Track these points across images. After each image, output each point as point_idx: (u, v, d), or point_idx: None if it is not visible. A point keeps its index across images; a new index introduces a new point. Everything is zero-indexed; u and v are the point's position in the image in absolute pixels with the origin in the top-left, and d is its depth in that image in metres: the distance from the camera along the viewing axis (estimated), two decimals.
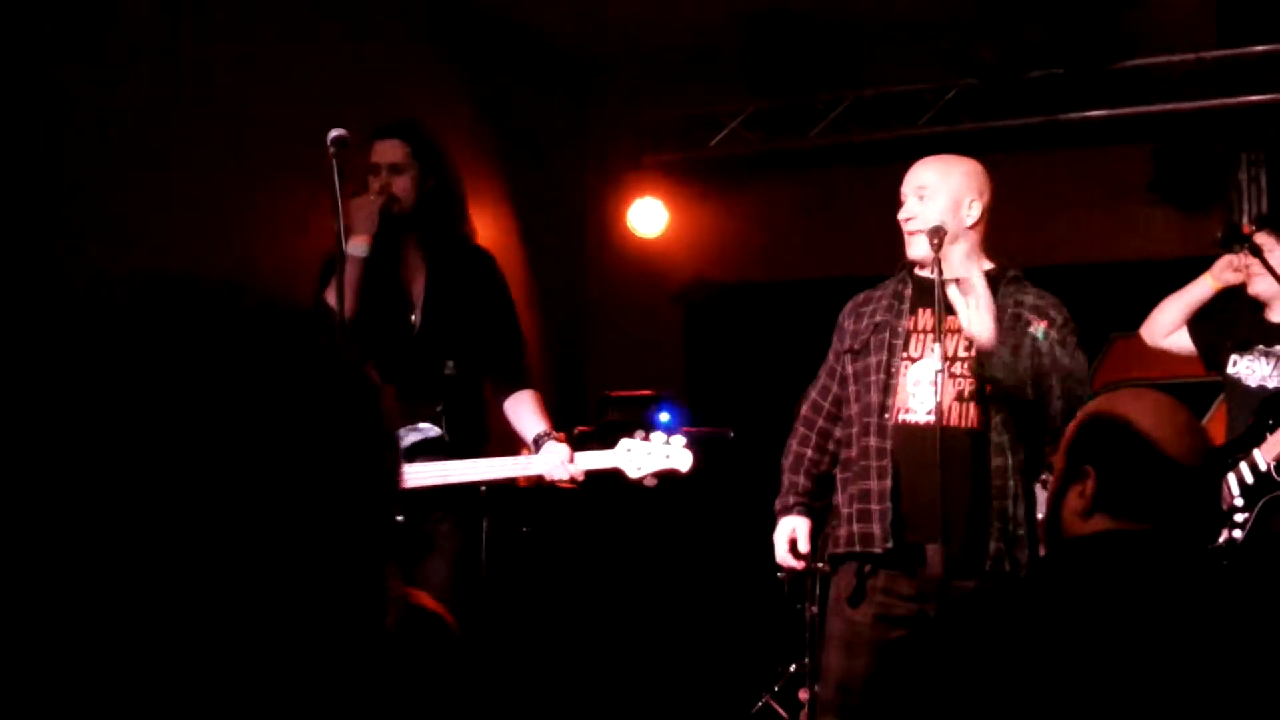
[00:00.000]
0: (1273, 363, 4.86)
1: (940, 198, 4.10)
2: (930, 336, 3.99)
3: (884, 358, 4.07)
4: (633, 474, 4.34)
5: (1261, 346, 4.91)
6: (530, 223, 7.69)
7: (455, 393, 4.44)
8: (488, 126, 7.41)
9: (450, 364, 4.42)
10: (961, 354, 4.00)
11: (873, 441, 4.04)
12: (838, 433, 4.25)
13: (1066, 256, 7.31)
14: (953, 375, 3.98)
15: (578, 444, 6.05)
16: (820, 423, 4.30)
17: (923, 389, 3.98)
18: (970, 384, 3.98)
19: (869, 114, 7.76)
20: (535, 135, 7.92)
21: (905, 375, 4.03)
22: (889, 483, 3.98)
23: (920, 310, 4.08)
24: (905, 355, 4.05)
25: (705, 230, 8.16)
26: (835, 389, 4.28)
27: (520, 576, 6.00)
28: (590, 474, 4.41)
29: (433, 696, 1.95)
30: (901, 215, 4.15)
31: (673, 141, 8.10)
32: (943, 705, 2.18)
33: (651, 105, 8.06)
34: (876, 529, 3.98)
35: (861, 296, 4.32)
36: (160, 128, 5.35)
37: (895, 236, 4.20)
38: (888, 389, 4.04)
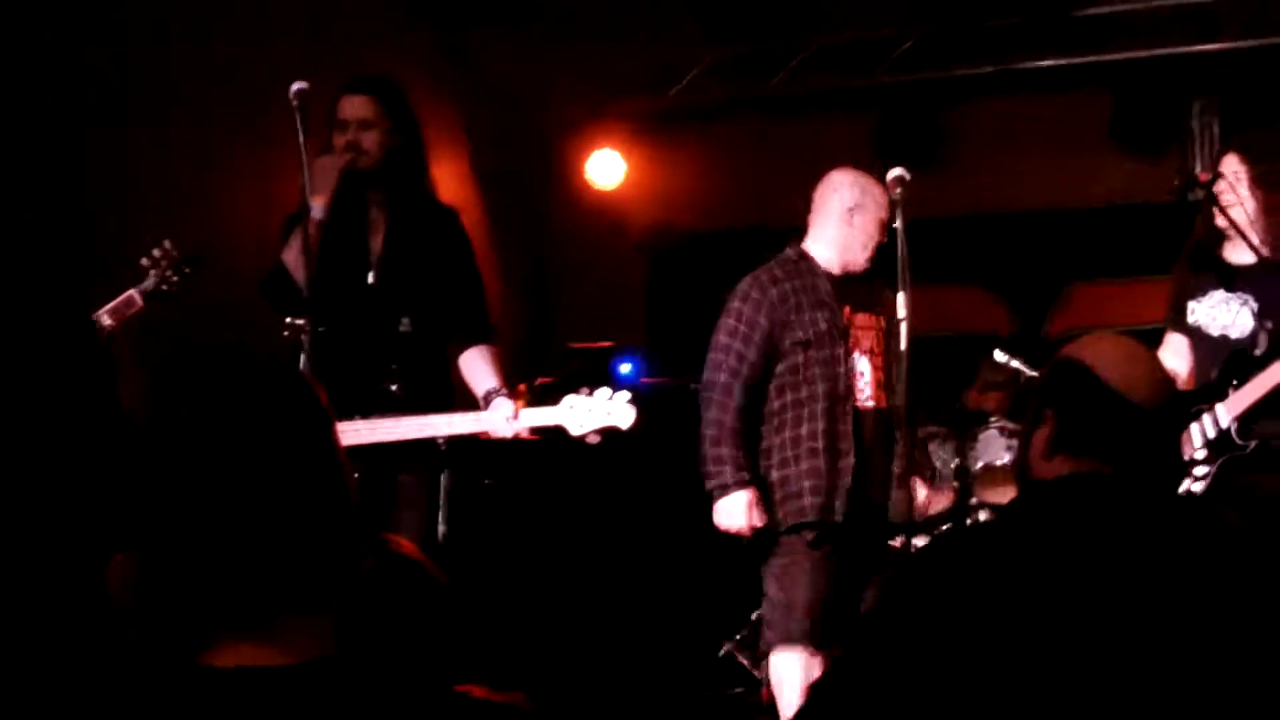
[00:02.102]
0: (1233, 308, 4.59)
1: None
2: (864, 333, 4.87)
3: (841, 351, 4.80)
4: (575, 430, 4.39)
5: (1221, 291, 4.61)
6: (490, 174, 7.65)
7: (412, 350, 4.46)
8: (446, 77, 7.36)
9: (406, 321, 4.43)
10: (877, 347, 4.90)
11: (838, 425, 4.76)
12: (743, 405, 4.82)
13: (1026, 203, 7.34)
14: (876, 366, 4.87)
15: (540, 395, 6.08)
16: (741, 398, 4.81)
17: (863, 379, 4.84)
18: (881, 372, 4.89)
19: (829, 61, 7.73)
20: (494, 86, 7.87)
21: (854, 366, 4.82)
22: (853, 459, 4.75)
23: (843, 306, 4.85)
24: (856, 348, 4.84)
25: (666, 180, 8.14)
26: (760, 367, 4.82)
27: (483, 530, 6.01)
28: (536, 430, 4.46)
29: (416, 638, 1.98)
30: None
31: (632, 91, 8.06)
32: (937, 632, 2.22)
33: (610, 55, 8.01)
34: (838, 501, 4.73)
35: (767, 278, 4.90)
36: (120, 85, 5.29)
37: None
38: (849, 379, 4.79)
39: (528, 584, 6.39)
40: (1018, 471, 2.55)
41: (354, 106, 4.47)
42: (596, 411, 4.38)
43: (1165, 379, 2.46)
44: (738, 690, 6.42)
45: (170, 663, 1.64)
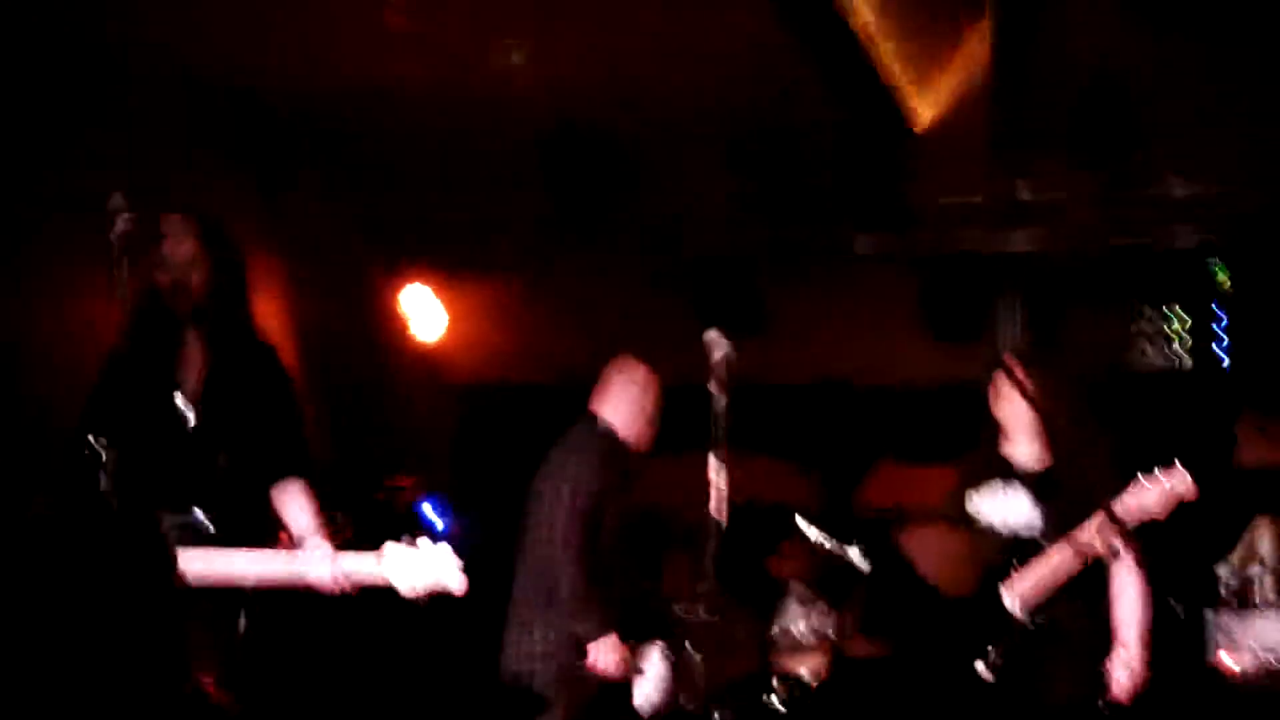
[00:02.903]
0: (1010, 499, 4.67)
1: None
2: None
3: None
4: (403, 589, 4.24)
5: (998, 480, 4.72)
6: (310, 319, 7.59)
7: (228, 487, 4.35)
8: (266, 223, 7.32)
9: (224, 457, 4.35)
10: None
11: None
12: None
13: (844, 375, 7.50)
14: None
15: (340, 541, 5.95)
16: None
17: None
18: None
19: (650, 230, 7.86)
20: (317, 225, 7.84)
21: None
22: None
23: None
24: None
25: (486, 330, 8.15)
26: None
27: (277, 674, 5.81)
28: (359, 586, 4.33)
29: None
30: None
31: (458, 240, 8.09)
32: None
33: (440, 203, 8.04)
34: None
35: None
36: None
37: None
38: None
39: None
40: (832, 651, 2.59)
41: (177, 245, 4.38)
42: (422, 567, 4.25)
43: (977, 576, 2.52)
44: None
45: None
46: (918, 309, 7.54)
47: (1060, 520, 4.44)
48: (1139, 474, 4.38)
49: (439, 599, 4.24)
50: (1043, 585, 4.49)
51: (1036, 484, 4.66)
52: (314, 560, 4.24)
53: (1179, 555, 4.65)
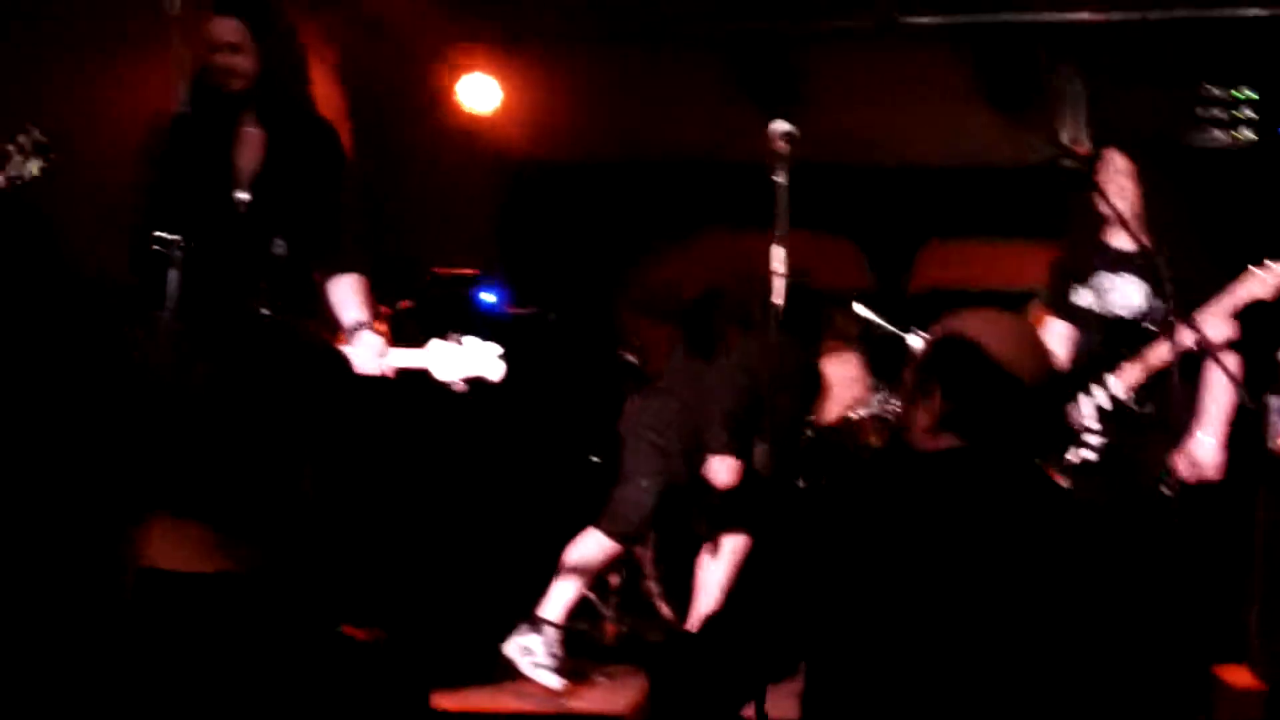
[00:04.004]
0: (1120, 287, 4.83)
1: None
2: None
3: None
4: (441, 376, 4.33)
5: (1104, 272, 4.88)
6: (360, 95, 7.51)
7: (283, 273, 4.36)
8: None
9: (280, 243, 4.34)
10: None
11: None
12: None
13: (889, 158, 7.40)
14: None
15: (401, 321, 6.00)
16: None
17: None
18: None
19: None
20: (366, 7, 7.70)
21: None
22: None
23: None
24: None
25: (538, 107, 8.05)
26: None
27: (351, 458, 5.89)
28: (400, 370, 4.41)
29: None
30: None
31: (510, 13, 7.94)
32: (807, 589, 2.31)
33: None
34: None
35: None
36: None
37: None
38: None
39: (386, 514, 6.29)
40: (895, 441, 2.62)
41: (222, 30, 4.36)
42: (465, 360, 4.33)
43: (1047, 358, 2.54)
44: (581, 627, 6.46)
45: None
46: (974, 83, 7.39)
47: (1167, 306, 4.48)
48: (1249, 266, 4.54)
49: (480, 387, 4.35)
50: (1150, 370, 4.61)
51: (1143, 271, 4.76)
52: (363, 350, 4.30)
53: (1243, 343, 4.69)
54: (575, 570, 5.57)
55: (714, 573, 5.55)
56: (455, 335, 4.37)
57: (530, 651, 5.46)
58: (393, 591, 5.61)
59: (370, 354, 4.32)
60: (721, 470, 5.50)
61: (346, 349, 4.32)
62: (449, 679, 5.20)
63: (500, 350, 4.36)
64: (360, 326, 4.41)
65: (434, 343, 4.35)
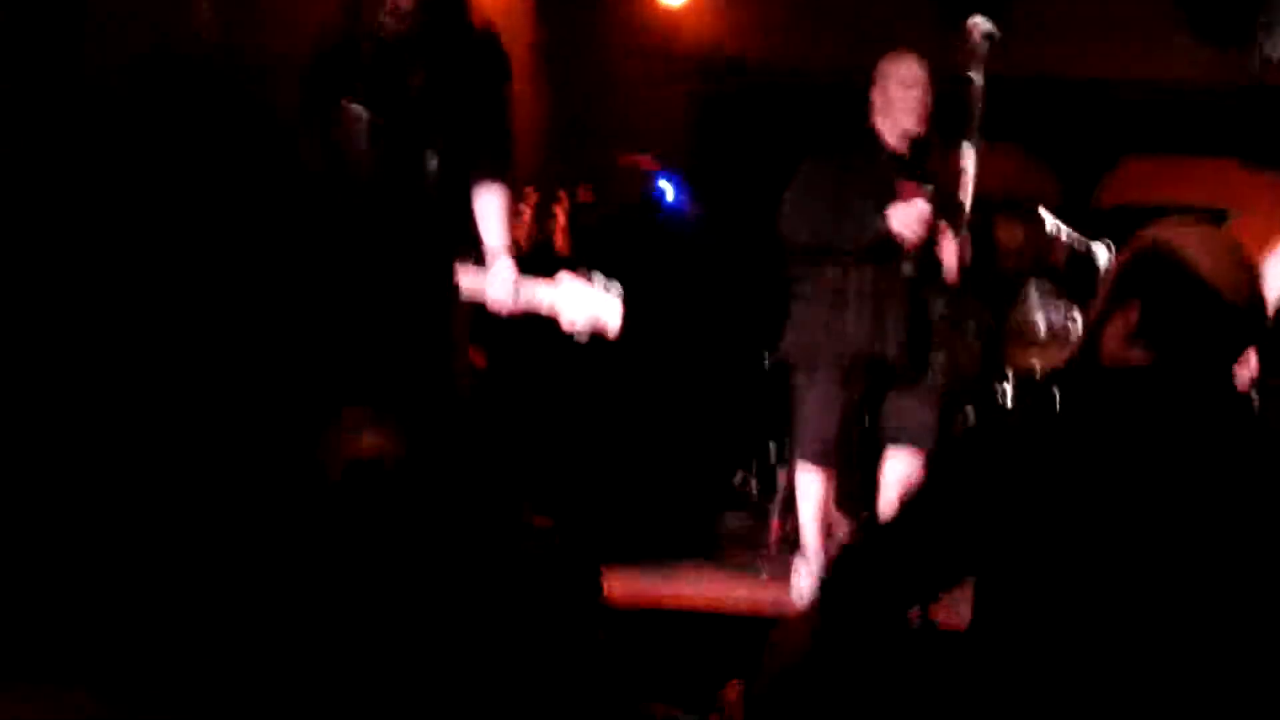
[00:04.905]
0: None
1: None
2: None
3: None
4: (567, 322, 4.30)
5: None
6: None
7: (435, 189, 4.30)
8: None
9: (432, 155, 4.29)
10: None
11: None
12: None
13: (1086, 70, 7.22)
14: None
15: (579, 212, 6.02)
16: None
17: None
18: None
19: None
20: None
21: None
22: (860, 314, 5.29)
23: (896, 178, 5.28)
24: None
25: (734, 4, 7.96)
26: None
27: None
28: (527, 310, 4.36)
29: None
30: None
31: None
32: (990, 510, 2.29)
33: None
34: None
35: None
36: None
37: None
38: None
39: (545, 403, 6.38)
40: (1082, 352, 2.55)
41: None
42: (590, 303, 4.30)
43: (1256, 278, 2.46)
44: (748, 520, 6.54)
45: None
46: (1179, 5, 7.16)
47: None
48: None
49: (595, 339, 4.34)
50: None
51: None
52: (496, 280, 4.30)
53: None
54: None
55: (892, 478, 5.47)
56: (584, 272, 4.33)
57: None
58: (571, 480, 5.72)
59: (503, 287, 4.29)
60: None
61: (484, 275, 4.31)
62: (622, 563, 5.29)
63: (620, 295, 4.33)
64: (497, 252, 4.34)
65: (564, 275, 4.32)
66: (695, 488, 6.55)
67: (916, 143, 5.25)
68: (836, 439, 5.38)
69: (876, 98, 5.28)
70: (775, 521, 6.26)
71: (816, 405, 5.38)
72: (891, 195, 5.14)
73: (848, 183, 5.22)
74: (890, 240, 5.11)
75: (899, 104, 5.21)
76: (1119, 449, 2.31)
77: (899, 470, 5.34)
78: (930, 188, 5.13)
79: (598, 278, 4.31)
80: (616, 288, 4.32)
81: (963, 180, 4.62)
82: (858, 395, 5.36)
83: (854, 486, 5.76)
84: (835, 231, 5.18)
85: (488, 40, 4.46)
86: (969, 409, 5.90)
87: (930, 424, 5.24)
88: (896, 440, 5.36)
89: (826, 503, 5.48)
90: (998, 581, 2.33)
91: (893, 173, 5.21)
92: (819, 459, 5.41)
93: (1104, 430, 2.34)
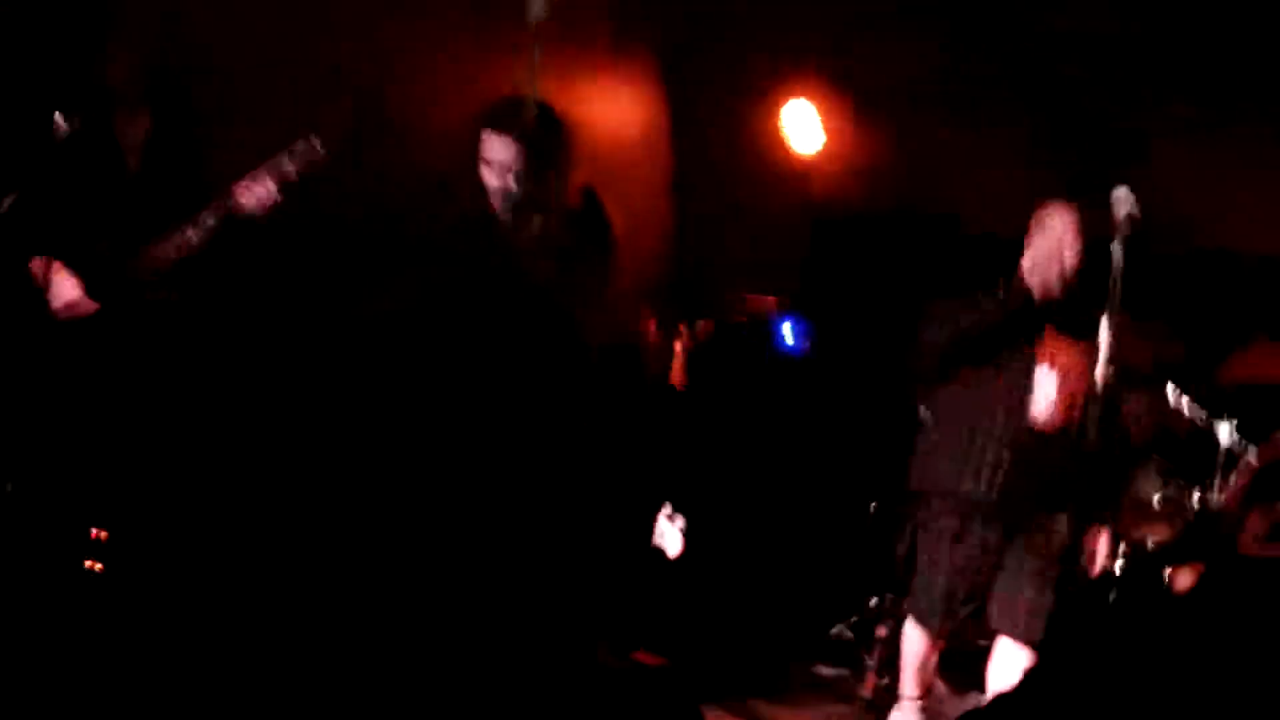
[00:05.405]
0: None
1: None
2: (1056, 353, 5.18)
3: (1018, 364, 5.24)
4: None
5: None
6: (686, 123, 7.62)
7: None
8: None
9: None
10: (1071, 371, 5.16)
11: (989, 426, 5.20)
12: None
13: (1214, 242, 7.15)
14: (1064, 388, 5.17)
15: (697, 340, 6.08)
16: None
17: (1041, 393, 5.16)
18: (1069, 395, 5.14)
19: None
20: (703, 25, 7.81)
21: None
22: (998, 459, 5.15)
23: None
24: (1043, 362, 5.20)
25: (854, 154, 8.03)
26: None
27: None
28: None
29: None
30: None
31: (837, 54, 7.93)
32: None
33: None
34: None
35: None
36: None
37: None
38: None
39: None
40: (1210, 536, 2.53)
41: (497, 148, 4.35)
42: (665, 530, 4.37)
43: None
44: (843, 672, 6.44)
45: None
46: None
47: None
48: None
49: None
50: None
51: None
52: None
53: None
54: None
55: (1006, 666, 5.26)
56: (669, 511, 4.38)
57: None
58: (677, 615, 5.69)
59: None
60: None
61: None
62: (727, 696, 5.30)
63: (683, 525, 4.40)
64: None
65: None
66: (790, 640, 6.49)
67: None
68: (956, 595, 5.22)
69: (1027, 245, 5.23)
70: (871, 678, 6.19)
71: (939, 554, 5.24)
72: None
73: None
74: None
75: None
76: (1258, 637, 2.28)
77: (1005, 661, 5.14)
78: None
79: (678, 518, 4.39)
80: (680, 520, 4.39)
81: (1104, 354, 4.57)
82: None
83: None
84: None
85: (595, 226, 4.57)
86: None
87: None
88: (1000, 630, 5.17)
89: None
90: None
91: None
92: (931, 617, 5.29)
93: (1242, 617, 2.31)
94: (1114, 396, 4.84)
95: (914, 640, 5.36)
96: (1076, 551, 5.04)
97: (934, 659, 5.41)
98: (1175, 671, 2.31)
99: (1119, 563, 6.10)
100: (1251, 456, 5.08)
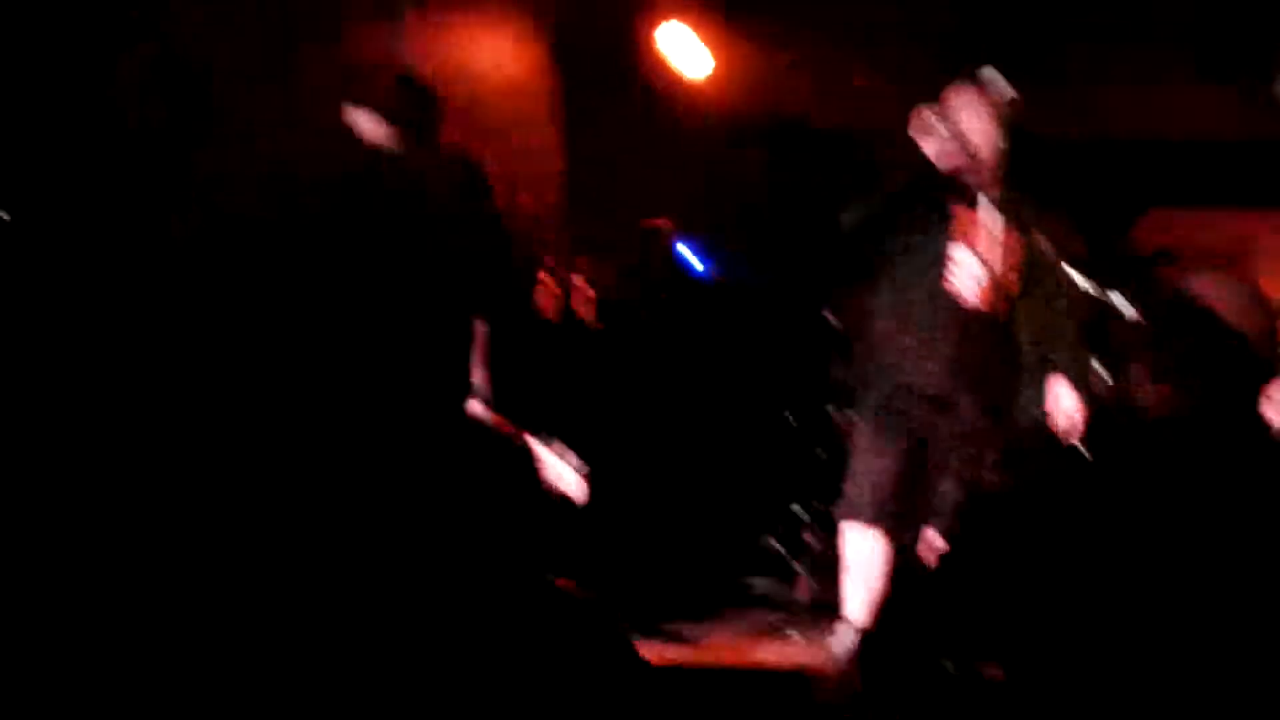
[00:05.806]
0: None
1: None
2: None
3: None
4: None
5: None
6: (573, 52, 7.59)
7: None
8: None
9: None
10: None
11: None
12: None
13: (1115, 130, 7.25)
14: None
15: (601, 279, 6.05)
16: None
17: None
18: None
19: None
20: None
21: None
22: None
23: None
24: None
25: (751, 68, 8.00)
26: None
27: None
28: None
29: None
30: None
31: None
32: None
33: None
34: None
35: None
36: None
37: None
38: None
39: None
40: (1114, 395, 2.59)
41: (363, 123, 4.35)
42: (554, 470, 4.33)
43: (1271, 317, 2.50)
44: (775, 582, 6.51)
45: None
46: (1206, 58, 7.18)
47: None
48: None
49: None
50: None
51: None
52: None
53: None
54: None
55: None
56: (546, 436, 4.33)
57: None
58: (603, 546, 5.68)
59: None
60: None
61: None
62: (651, 631, 5.26)
63: (584, 472, 4.36)
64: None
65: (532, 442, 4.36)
66: (719, 553, 6.51)
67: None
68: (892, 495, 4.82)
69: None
70: (804, 584, 6.24)
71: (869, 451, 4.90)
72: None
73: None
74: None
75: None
76: (1146, 489, 2.33)
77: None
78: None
79: (563, 450, 4.34)
80: (580, 463, 4.34)
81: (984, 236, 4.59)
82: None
83: None
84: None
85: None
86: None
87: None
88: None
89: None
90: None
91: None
92: (866, 515, 4.83)
93: (1128, 472, 2.37)
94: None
95: (855, 544, 4.89)
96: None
97: (882, 568, 4.85)
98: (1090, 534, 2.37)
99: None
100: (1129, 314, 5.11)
